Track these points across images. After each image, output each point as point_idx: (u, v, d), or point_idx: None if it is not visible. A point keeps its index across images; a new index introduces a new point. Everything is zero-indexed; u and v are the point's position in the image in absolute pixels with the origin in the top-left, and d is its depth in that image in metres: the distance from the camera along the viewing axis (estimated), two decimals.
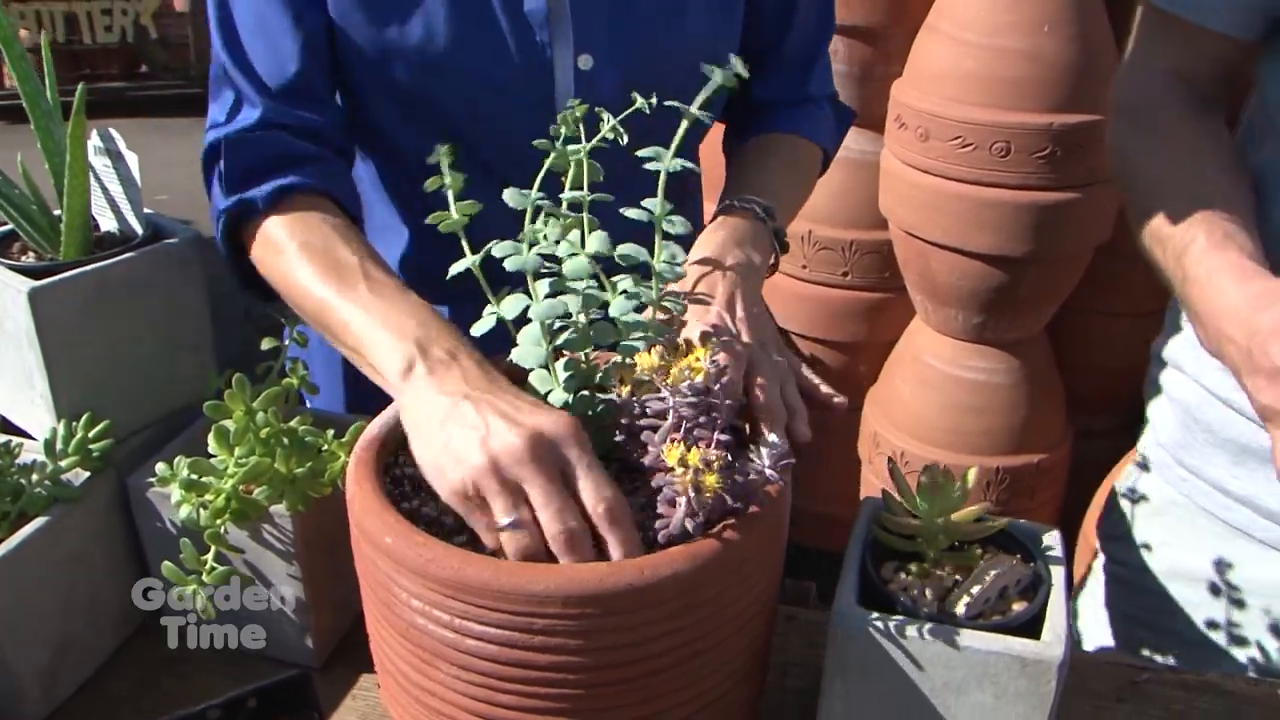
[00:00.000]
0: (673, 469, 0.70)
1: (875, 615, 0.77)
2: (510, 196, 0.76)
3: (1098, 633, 1.19)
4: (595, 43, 0.98)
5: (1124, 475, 1.18)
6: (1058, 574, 0.81)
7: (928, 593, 0.79)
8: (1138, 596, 1.14)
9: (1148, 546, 1.13)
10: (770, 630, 0.84)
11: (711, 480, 0.70)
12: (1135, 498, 1.15)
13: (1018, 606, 0.78)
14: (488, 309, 0.77)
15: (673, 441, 0.71)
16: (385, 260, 0.90)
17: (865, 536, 0.84)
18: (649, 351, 0.75)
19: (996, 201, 1.84)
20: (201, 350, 1.02)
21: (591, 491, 0.69)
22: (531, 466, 0.68)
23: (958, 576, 0.81)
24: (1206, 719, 0.93)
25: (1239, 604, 1.07)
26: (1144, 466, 1.16)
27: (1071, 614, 0.79)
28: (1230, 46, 0.98)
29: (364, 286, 0.83)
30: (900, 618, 0.77)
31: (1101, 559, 1.20)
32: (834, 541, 1.25)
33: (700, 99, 0.77)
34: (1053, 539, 0.85)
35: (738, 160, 1.11)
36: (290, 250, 0.89)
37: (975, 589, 0.78)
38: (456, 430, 0.70)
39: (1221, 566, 1.07)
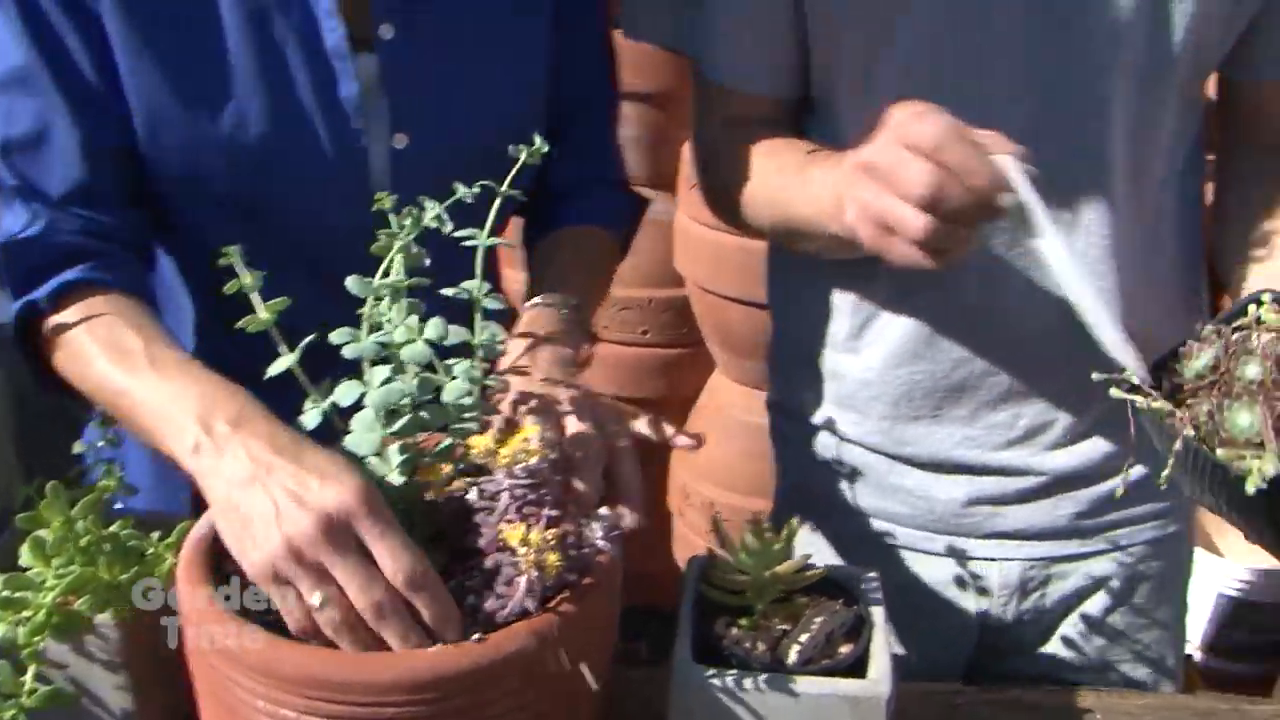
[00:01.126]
0: (511, 549, 0.71)
1: (713, 672, 0.79)
2: (353, 284, 0.75)
3: None
4: (410, 122, 0.98)
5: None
6: (878, 614, 0.85)
7: (759, 645, 0.82)
8: None
9: None
10: (609, 694, 0.85)
11: (554, 559, 0.71)
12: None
13: (844, 649, 0.82)
14: (309, 402, 0.76)
15: (510, 522, 0.72)
16: (176, 338, 0.88)
17: (695, 594, 0.86)
18: (482, 433, 0.76)
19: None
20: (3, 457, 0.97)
21: (389, 562, 0.68)
22: (326, 548, 0.67)
23: (786, 626, 0.84)
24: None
25: (900, 604, 1.15)
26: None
27: (892, 651, 0.83)
28: (774, 103, 1.07)
29: (148, 369, 0.81)
30: (736, 671, 0.79)
31: None
32: (650, 597, 1.27)
33: (510, 177, 0.80)
34: (871, 581, 0.89)
35: (541, 256, 1.11)
36: (76, 345, 0.86)
37: (804, 637, 0.82)
38: (250, 513, 0.69)
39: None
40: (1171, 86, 0.98)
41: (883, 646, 0.82)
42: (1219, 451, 0.74)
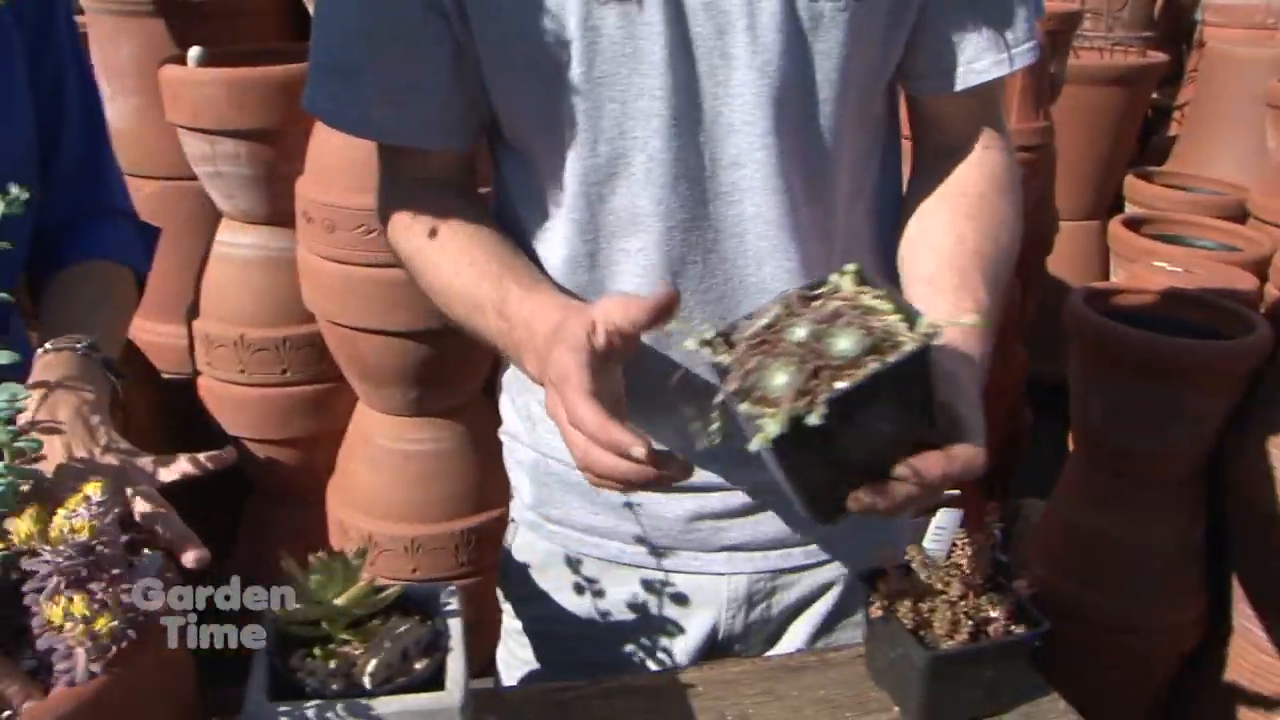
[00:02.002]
0: (58, 626, 0.69)
1: (287, 707, 0.80)
2: None
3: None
4: None
5: (505, 539, 1.27)
6: (455, 627, 0.88)
7: (334, 671, 0.83)
8: (559, 642, 1.22)
9: (547, 597, 1.22)
10: None
11: (105, 622, 0.70)
12: (521, 560, 1.23)
13: (419, 665, 0.85)
14: None
15: (54, 600, 0.70)
16: None
17: (273, 630, 0.86)
18: (21, 516, 0.73)
19: (406, 281, 1.93)
20: None
21: None
22: None
23: (362, 650, 0.85)
24: (627, 715, 1.04)
25: (635, 620, 1.20)
26: (512, 534, 1.26)
27: (468, 661, 0.86)
28: (455, 157, 1.09)
29: None
30: (314, 703, 0.80)
31: (516, 622, 1.27)
32: None
33: None
34: (450, 595, 0.92)
35: (49, 299, 1.07)
36: None
37: (376, 658, 0.83)
38: None
39: (602, 592, 1.19)
40: (836, 110, 1.00)
41: (459, 657, 0.85)
42: (743, 407, 0.77)
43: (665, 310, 0.85)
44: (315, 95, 1.04)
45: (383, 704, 0.80)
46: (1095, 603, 1.96)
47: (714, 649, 1.20)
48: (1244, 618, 1.95)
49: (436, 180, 1.08)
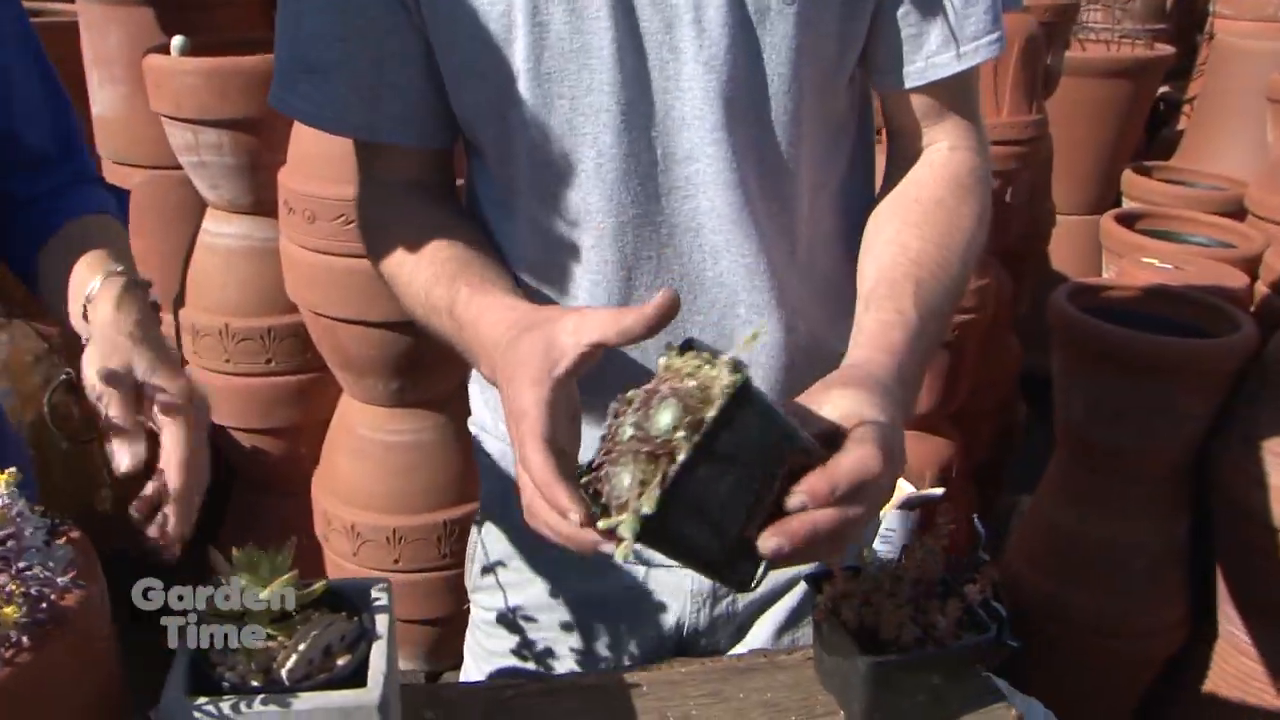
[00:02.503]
0: None
1: (202, 700, 0.79)
2: None
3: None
4: None
5: (472, 530, 1.27)
6: (383, 623, 0.87)
7: (253, 665, 0.82)
8: (524, 634, 1.22)
9: (512, 589, 1.21)
10: None
11: (10, 611, 0.69)
12: (487, 551, 1.23)
13: (342, 661, 0.84)
14: None
15: None
16: None
17: (196, 624, 0.86)
18: None
19: None
20: None
21: None
22: None
23: (287, 644, 0.85)
24: (569, 714, 1.03)
25: (599, 613, 1.19)
26: (480, 524, 1.25)
27: (392, 658, 0.85)
28: (431, 156, 1.07)
29: None
30: (229, 698, 0.79)
31: (482, 613, 1.26)
32: None
33: None
34: (380, 591, 0.91)
35: (52, 256, 1.04)
36: None
37: (296, 653, 0.82)
38: None
39: (567, 586, 1.19)
40: (790, 104, 0.98)
41: (382, 653, 0.84)
42: (601, 523, 0.74)
43: (666, 319, 0.80)
44: (286, 95, 1.04)
45: (300, 700, 0.79)
46: (1077, 603, 1.94)
47: (680, 643, 1.19)
48: (1228, 621, 1.93)
49: (413, 182, 1.08)
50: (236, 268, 2.22)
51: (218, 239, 2.24)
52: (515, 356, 0.85)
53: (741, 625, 1.20)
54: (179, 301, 2.32)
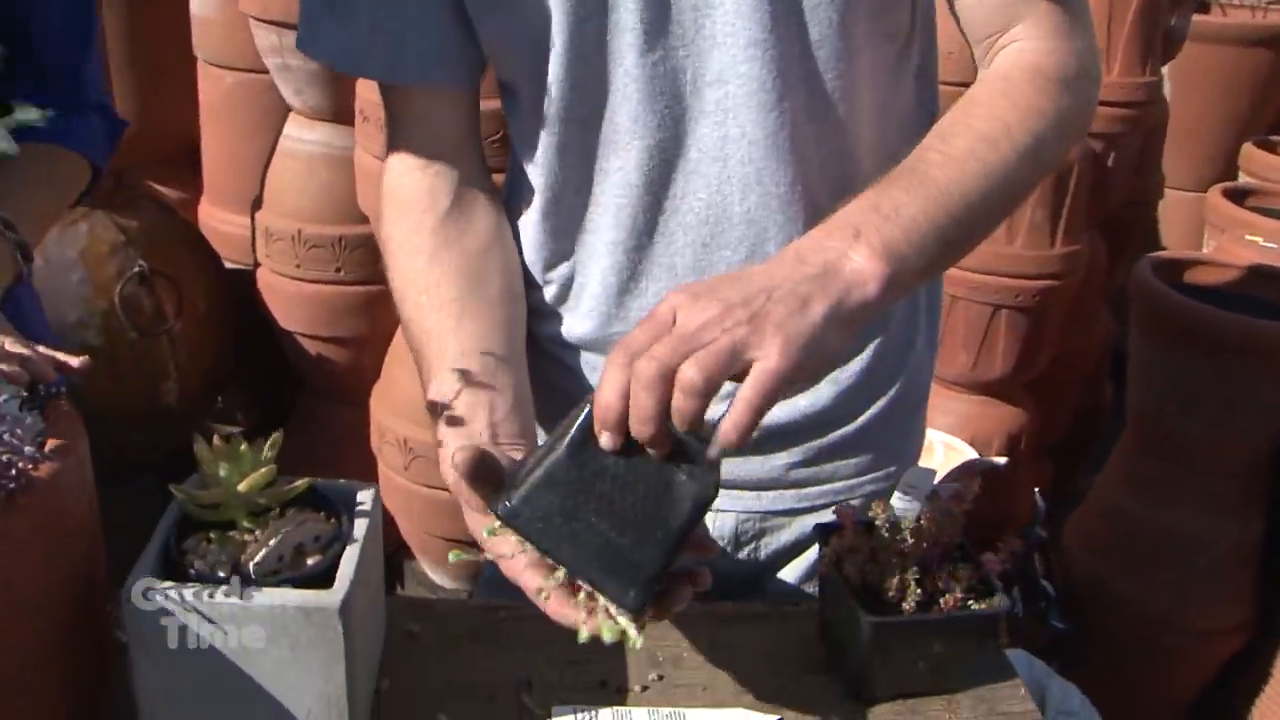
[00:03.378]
0: None
1: (166, 586, 0.78)
2: None
3: None
4: None
5: None
6: (362, 528, 0.86)
7: (223, 556, 0.81)
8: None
9: None
10: (89, 615, 0.84)
11: None
12: None
13: (313, 561, 0.82)
14: None
15: None
16: None
17: (176, 512, 0.85)
18: None
19: None
20: None
21: None
22: None
23: (259, 538, 0.83)
24: (554, 642, 1.01)
25: None
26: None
27: (364, 563, 0.83)
28: (459, 108, 1.03)
29: None
30: (193, 585, 0.78)
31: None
32: None
33: None
34: (366, 496, 0.90)
35: None
36: None
37: (266, 548, 0.81)
38: None
39: None
40: (840, 14, 0.92)
41: (353, 558, 0.82)
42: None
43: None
44: (310, 36, 1.01)
45: (261, 595, 0.78)
46: (1133, 594, 1.85)
47: None
48: None
49: (442, 144, 1.03)
50: (314, 175, 2.22)
51: (298, 144, 2.24)
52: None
53: (761, 575, 1.16)
54: (257, 204, 2.34)
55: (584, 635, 0.77)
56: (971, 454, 1.96)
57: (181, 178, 2.63)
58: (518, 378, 0.97)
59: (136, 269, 1.98)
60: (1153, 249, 2.82)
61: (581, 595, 0.78)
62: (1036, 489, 1.85)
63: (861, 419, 1.10)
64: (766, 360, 0.73)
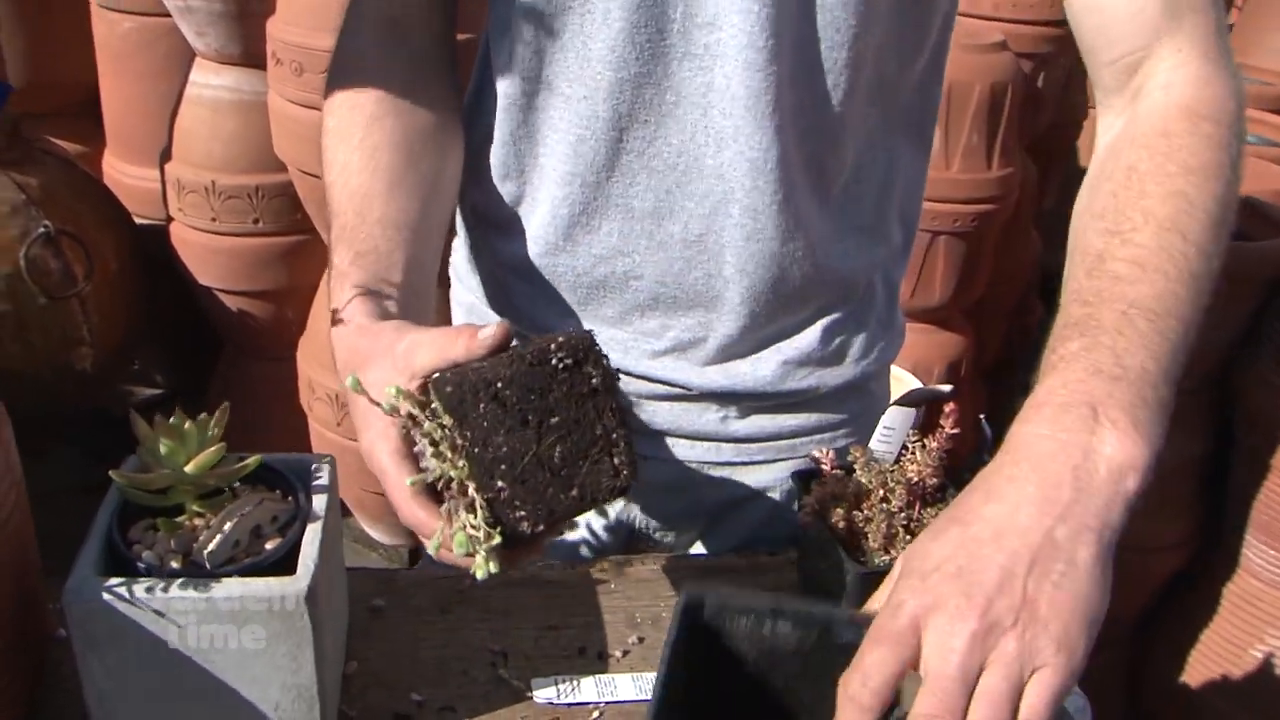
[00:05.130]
0: None
1: (113, 582, 0.72)
2: None
3: None
4: None
5: None
6: (321, 503, 0.80)
7: (173, 545, 0.75)
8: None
9: None
10: (24, 609, 0.78)
11: None
12: None
13: (271, 545, 0.76)
14: None
15: None
16: None
17: (116, 499, 0.78)
18: None
19: None
20: None
21: None
22: None
23: (212, 524, 0.77)
24: (527, 610, 0.97)
25: None
26: None
27: (326, 542, 0.77)
28: None
29: None
30: (145, 580, 0.72)
31: None
32: None
33: None
34: (322, 470, 0.84)
35: None
36: None
37: (220, 533, 0.75)
38: None
39: None
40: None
41: (314, 539, 0.77)
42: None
43: (500, 348, 0.75)
44: None
45: (220, 586, 0.72)
46: None
47: (632, 535, 1.13)
48: (1237, 540, 1.85)
49: (401, 23, 0.97)
50: (224, 122, 2.11)
51: (205, 90, 2.12)
52: (361, 404, 0.79)
53: (702, 529, 1.13)
54: (165, 156, 2.21)
55: (433, 546, 0.71)
56: (915, 383, 1.95)
57: (81, 130, 2.48)
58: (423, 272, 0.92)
59: (41, 230, 1.86)
60: (1076, 169, 2.83)
61: (445, 506, 0.72)
62: (982, 415, 1.84)
63: (808, 394, 1.06)
64: (1048, 671, 0.59)
